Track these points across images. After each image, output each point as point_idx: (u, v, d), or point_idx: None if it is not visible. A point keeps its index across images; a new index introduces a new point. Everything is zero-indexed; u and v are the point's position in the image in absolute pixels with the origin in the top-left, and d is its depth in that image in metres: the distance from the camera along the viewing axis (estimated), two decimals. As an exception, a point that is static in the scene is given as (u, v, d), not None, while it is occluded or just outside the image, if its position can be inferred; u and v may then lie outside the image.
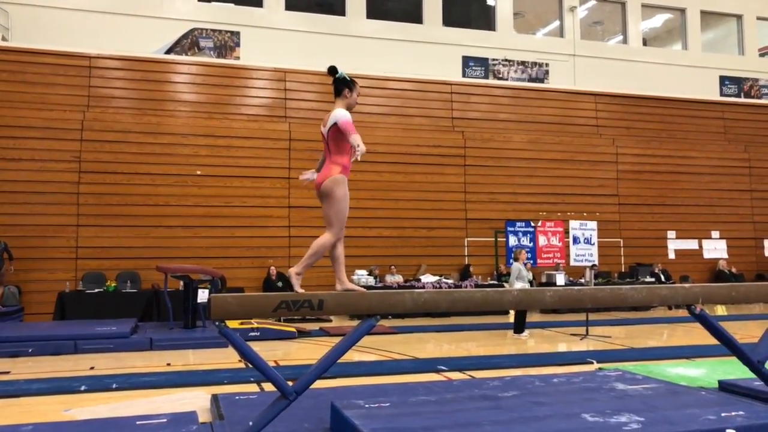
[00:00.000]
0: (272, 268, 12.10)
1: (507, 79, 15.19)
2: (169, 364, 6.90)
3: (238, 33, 13.39)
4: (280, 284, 11.77)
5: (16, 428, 3.89)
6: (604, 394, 4.44)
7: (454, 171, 14.06)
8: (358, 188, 12.52)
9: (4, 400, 5.19)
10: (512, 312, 10.69)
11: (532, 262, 12.25)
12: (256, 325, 9.02)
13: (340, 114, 3.84)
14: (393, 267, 12.90)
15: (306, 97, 13.39)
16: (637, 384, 4.77)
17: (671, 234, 15.54)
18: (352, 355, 7.16)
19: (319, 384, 4.12)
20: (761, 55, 17.73)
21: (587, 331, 9.27)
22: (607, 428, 3.45)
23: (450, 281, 12.73)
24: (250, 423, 3.46)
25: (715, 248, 15.73)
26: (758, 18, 17.59)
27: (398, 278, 12.76)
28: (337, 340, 4.83)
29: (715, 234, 15.82)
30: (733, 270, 15.34)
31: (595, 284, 11.05)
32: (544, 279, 13.07)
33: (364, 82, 12.25)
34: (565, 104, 15.28)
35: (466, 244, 13.93)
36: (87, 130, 11.90)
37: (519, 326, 9.48)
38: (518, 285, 9.50)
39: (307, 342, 8.93)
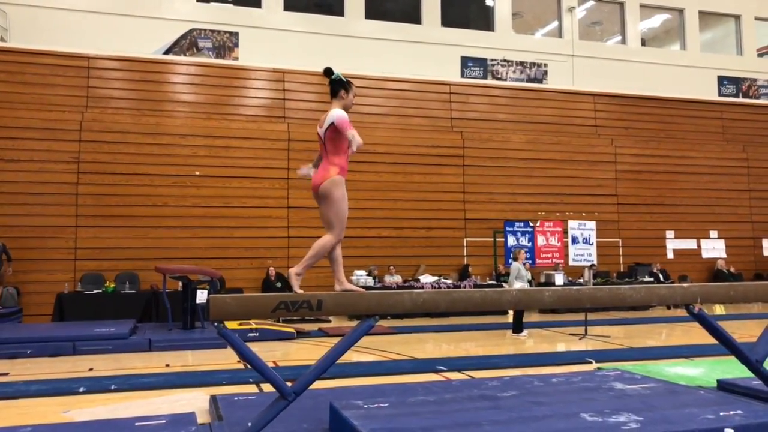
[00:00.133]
0: (271, 268, 12.10)
1: (505, 80, 15.20)
2: (168, 365, 6.89)
3: (236, 33, 13.39)
4: (279, 285, 11.77)
5: (14, 430, 3.89)
6: (603, 393, 4.44)
7: (452, 171, 14.07)
8: (356, 188, 12.55)
9: (3, 401, 5.19)
10: (511, 312, 10.69)
11: (530, 262, 12.25)
12: (254, 326, 9.02)
13: (336, 113, 3.84)
14: (392, 267, 12.90)
15: (305, 98, 13.38)
16: (635, 383, 4.78)
17: (670, 234, 15.55)
18: (351, 356, 7.16)
19: (318, 384, 4.12)
20: (759, 56, 17.75)
21: (586, 330, 9.28)
22: (606, 428, 3.45)
23: (449, 281, 12.73)
24: (249, 424, 3.45)
25: (714, 248, 15.75)
26: (756, 18, 17.61)
27: (397, 278, 12.76)
28: (336, 340, 4.83)
29: (714, 234, 15.84)
30: (732, 269, 15.35)
31: (593, 284, 11.05)
32: (542, 279, 13.08)
33: (362, 83, 12.30)
34: (564, 104, 15.29)
35: (464, 245, 13.94)
36: (86, 131, 11.90)
37: (518, 326, 9.48)
38: (517, 285, 9.51)
39: (306, 342, 8.93)
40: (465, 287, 12.09)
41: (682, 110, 16.22)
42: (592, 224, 13.39)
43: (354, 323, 3.82)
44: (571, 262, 13.11)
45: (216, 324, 3.39)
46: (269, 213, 12.70)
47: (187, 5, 13.18)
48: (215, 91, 13.00)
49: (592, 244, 13.06)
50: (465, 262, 13.74)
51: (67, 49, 12.09)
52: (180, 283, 9.61)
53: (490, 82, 15.04)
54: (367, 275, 12.26)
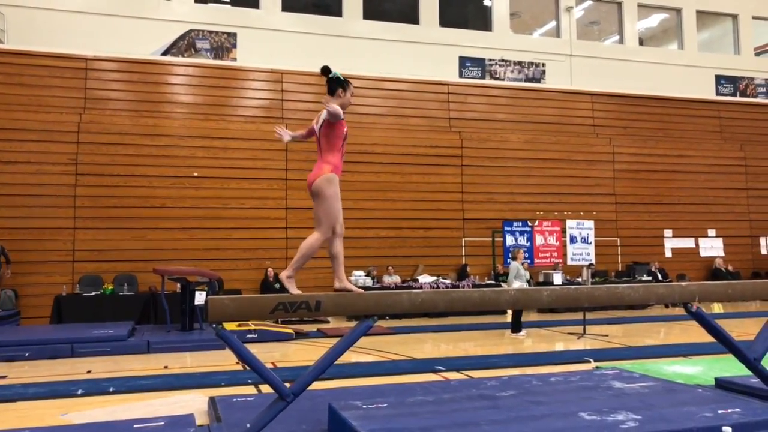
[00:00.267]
0: (269, 269, 12.08)
1: (504, 80, 15.20)
2: (166, 367, 6.89)
3: (234, 34, 13.38)
4: (277, 286, 11.75)
5: (13, 432, 3.88)
6: (602, 392, 4.45)
7: (451, 171, 14.07)
8: (355, 189, 12.56)
9: (1, 404, 5.18)
10: (510, 312, 10.70)
11: (529, 261, 12.25)
12: (253, 327, 9.01)
13: (333, 106, 3.83)
14: (390, 267, 12.90)
15: (303, 98, 13.37)
16: (634, 382, 4.78)
17: (668, 232, 15.57)
18: (350, 356, 7.16)
19: (316, 385, 4.13)
20: (757, 54, 17.78)
21: (584, 329, 9.29)
22: (605, 427, 3.46)
23: (447, 281, 12.73)
24: (248, 425, 3.45)
25: (712, 246, 15.77)
26: (754, 17, 17.63)
27: (396, 279, 12.76)
28: (334, 341, 4.83)
29: (712, 232, 15.86)
30: (730, 268, 15.37)
31: (592, 283, 11.06)
32: (541, 278, 13.09)
33: (360, 83, 12.31)
34: (562, 104, 15.30)
35: (463, 244, 13.94)
36: (83, 133, 11.88)
37: (516, 326, 9.49)
38: (516, 284, 9.52)
39: (304, 343, 8.93)
40: (463, 287, 12.10)
41: (679, 109, 16.24)
42: (590, 223, 13.35)
43: (352, 324, 3.82)
44: (569, 262, 13.08)
45: (214, 325, 3.39)
46: (267, 214, 12.70)
47: (184, 6, 13.17)
48: (213, 92, 12.99)
49: (591, 243, 13.04)
50: (463, 262, 13.74)
51: (65, 51, 12.08)
52: (178, 285, 9.60)
53: (488, 82, 15.04)
54: (365, 276, 12.26)
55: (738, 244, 16.02)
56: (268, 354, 7.55)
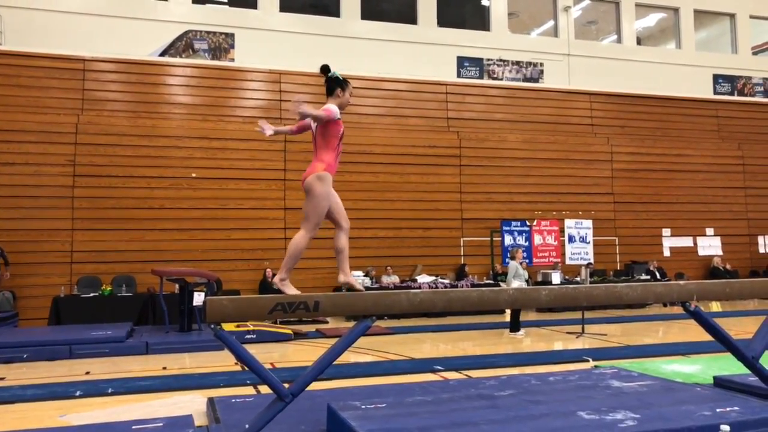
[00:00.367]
0: (268, 270, 12.07)
1: (502, 79, 15.21)
2: (165, 368, 6.88)
3: (232, 35, 13.37)
4: (276, 287, 11.74)
5: (11, 433, 3.88)
6: (600, 391, 4.45)
7: (449, 171, 14.08)
8: (353, 189, 12.56)
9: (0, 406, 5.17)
10: (508, 311, 10.70)
11: (527, 261, 12.26)
12: (252, 328, 9.01)
13: (330, 106, 3.84)
14: (389, 268, 12.90)
15: (301, 99, 13.33)
16: (632, 381, 4.79)
17: (666, 231, 15.59)
18: (349, 357, 7.16)
19: (315, 386, 4.12)
20: (754, 54, 17.80)
21: (583, 329, 9.29)
22: (603, 426, 3.46)
23: (446, 281, 12.74)
24: (247, 426, 3.45)
25: (710, 245, 15.79)
26: (751, 16, 17.66)
27: (394, 279, 12.76)
28: (333, 341, 4.83)
29: (710, 231, 15.88)
30: (728, 267, 15.40)
31: (590, 282, 11.07)
32: (540, 278, 13.09)
33: (359, 83, 12.31)
34: (560, 104, 15.31)
35: (462, 244, 13.95)
36: (81, 134, 11.87)
37: (515, 325, 9.49)
38: (515, 284, 9.52)
39: (303, 344, 8.92)
40: (462, 287, 12.10)
41: (677, 108, 16.26)
42: (588, 223, 13.41)
43: (351, 324, 3.83)
44: (567, 261, 13.13)
45: (213, 326, 3.38)
46: (266, 214, 12.70)
47: (182, 7, 13.16)
48: (211, 93, 12.98)
49: (589, 242, 13.08)
50: (462, 262, 13.74)
51: (63, 52, 12.06)
52: (177, 286, 9.59)
53: (486, 81, 15.05)
54: (364, 276, 12.26)
55: (736, 243, 16.05)
56: (266, 354, 7.54)
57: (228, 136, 12.72)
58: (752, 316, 10.59)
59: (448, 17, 15.13)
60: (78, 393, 5.56)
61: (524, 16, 16.51)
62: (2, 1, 11.87)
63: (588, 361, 6.76)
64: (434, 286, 12.02)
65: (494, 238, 13.63)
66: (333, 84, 3.98)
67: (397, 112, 14.10)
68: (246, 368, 3.94)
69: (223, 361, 7.14)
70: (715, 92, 16.96)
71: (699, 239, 15.79)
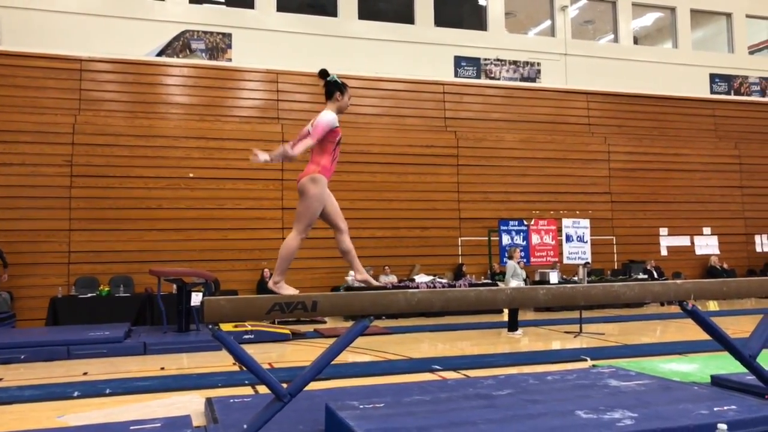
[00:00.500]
0: (266, 270, 12.06)
1: (499, 79, 15.22)
2: (163, 368, 6.88)
3: (229, 35, 13.36)
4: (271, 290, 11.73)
5: (9, 434, 3.87)
6: (598, 390, 4.46)
7: (447, 171, 14.08)
8: (351, 189, 12.56)
9: (-3, 406, 5.17)
10: (506, 311, 10.71)
11: (525, 260, 12.28)
12: (250, 328, 9.00)
13: (324, 115, 3.84)
14: (387, 267, 12.90)
15: (298, 99, 13.37)
16: (630, 380, 4.80)
17: (663, 231, 15.62)
18: (347, 356, 7.16)
19: (313, 385, 4.13)
20: (751, 53, 17.84)
21: (581, 328, 9.30)
22: (601, 425, 3.47)
23: (444, 281, 12.74)
24: (245, 426, 3.45)
25: (707, 244, 15.83)
26: (747, 16, 17.69)
27: (392, 278, 12.76)
28: (331, 341, 4.83)
29: (707, 230, 15.92)
30: (725, 266, 15.43)
31: (588, 282, 11.09)
32: (537, 277, 13.11)
33: (356, 83, 12.30)
34: (557, 103, 15.33)
35: (459, 244, 13.96)
36: (78, 134, 11.85)
37: (513, 325, 9.50)
38: (513, 283, 9.53)
39: (301, 344, 8.92)
40: (460, 286, 12.11)
41: (674, 108, 16.29)
42: (586, 222, 13.42)
43: (349, 324, 3.83)
44: (565, 260, 13.15)
45: (211, 326, 3.38)
46: (263, 214, 12.69)
47: (179, 7, 13.14)
48: (208, 93, 12.97)
49: (586, 242, 13.09)
50: (460, 262, 13.75)
51: (60, 52, 12.04)
52: (174, 286, 9.58)
53: (483, 81, 15.06)
54: (362, 276, 12.24)
55: (733, 242, 16.08)
56: (264, 354, 7.54)
57: (225, 136, 12.71)
58: (749, 315, 10.62)
59: (445, 17, 15.14)
60: (76, 394, 5.56)
61: (521, 16, 16.53)
62: (-1, 1, 11.86)
63: (586, 360, 6.77)
64: (432, 285, 12.03)
65: (492, 238, 13.65)
66: (332, 88, 3.98)
67: (394, 112, 14.10)
68: (244, 368, 3.95)
69: (221, 361, 7.14)
70: (712, 91, 17.00)
71: (696, 238, 15.82)
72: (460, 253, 13.91)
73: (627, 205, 15.35)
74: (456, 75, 14.89)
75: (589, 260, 12.52)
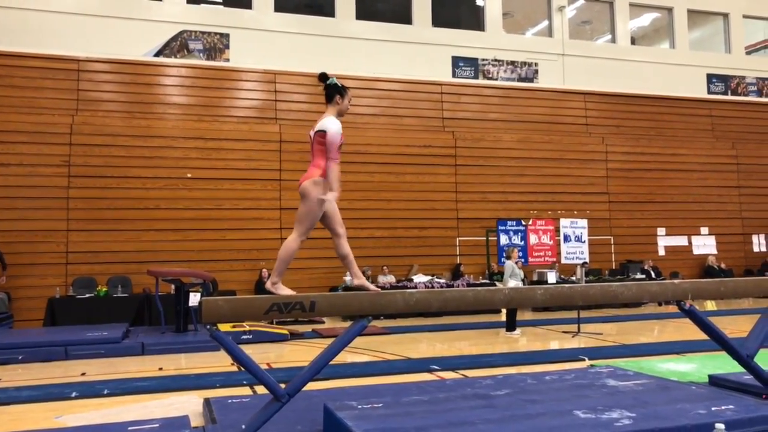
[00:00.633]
0: (264, 270, 12.07)
1: (496, 79, 15.23)
2: (161, 369, 6.87)
3: (227, 35, 13.35)
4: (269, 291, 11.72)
5: (6, 435, 3.86)
6: (596, 390, 4.46)
7: (445, 171, 14.09)
8: (349, 189, 12.54)
9: (-5, 407, 5.16)
10: (504, 310, 10.71)
11: (523, 260, 12.29)
12: (248, 328, 9.00)
13: (331, 127, 3.84)
14: (385, 267, 12.91)
15: (296, 99, 13.37)
16: (628, 380, 4.80)
17: (661, 231, 15.64)
18: (345, 357, 7.16)
19: (311, 386, 4.12)
20: (748, 53, 17.88)
21: (579, 328, 9.31)
22: (599, 424, 3.47)
23: (442, 281, 12.75)
24: (243, 426, 3.45)
25: (705, 244, 15.85)
26: (744, 16, 17.73)
27: (390, 279, 12.76)
28: (329, 341, 4.83)
29: (704, 230, 15.95)
30: (722, 265, 15.46)
31: (586, 281, 11.10)
32: (535, 277, 13.12)
33: (353, 83, 12.27)
34: (555, 103, 15.35)
35: (457, 244, 13.97)
36: (76, 134, 11.83)
37: (511, 324, 9.51)
38: (512, 283, 9.53)
39: (299, 344, 8.92)
40: (458, 287, 12.12)
41: (671, 108, 16.32)
42: (583, 222, 13.43)
43: (347, 324, 3.84)
44: (563, 260, 13.16)
45: (209, 327, 3.38)
46: (261, 215, 12.68)
47: (177, 7, 13.13)
48: (206, 93, 12.96)
49: (584, 241, 13.10)
50: (458, 262, 13.76)
51: (57, 52, 12.02)
52: (172, 286, 9.57)
53: (481, 81, 15.07)
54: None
55: (730, 242, 16.12)
56: (263, 355, 7.54)
57: (223, 137, 12.71)
58: (747, 315, 10.64)
59: (443, 17, 15.14)
60: (74, 394, 5.55)
61: (519, 16, 16.55)
62: (-4, 1, 11.84)
63: (584, 360, 6.77)
64: (430, 285, 12.04)
65: (490, 238, 13.66)
66: (332, 91, 3.98)
67: (392, 112, 14.10)
68: (242, 369, 3.94)
69: (219, 361, 7.13)
70: (709, 92, 17.03)
71: (694, 238, 15.85)
72: (458, 253, 13.92)
73: (624, 205, 15.37)
74: (454, 75, 14.90)
75: (587, 260, 12.53)
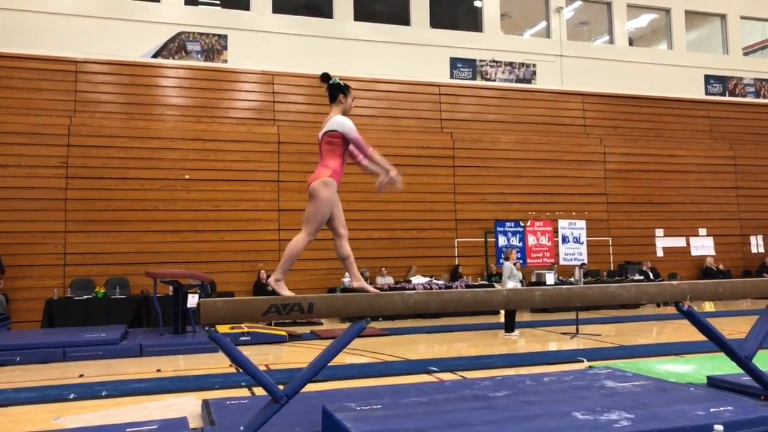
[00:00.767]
0: (262, 271, 12.05)
1: (495, 80, 15.24)
2: (159, 370, 6.86)
3: (225, 36, 13.34)
4: (270, 288, 11.70)
5: (4, 437, 3.85)
6: (595, 392, 4.47)
7: (443, 172, 14.09)
8: (348, 190, 12.45)
9: (-7, 409, 5.14)
10: (503, 312, 10.72)
11: (521, 261, 12.30)
12: (246, 330, 8.99)
13: (346, 123, 3.85)
14: (384, 269, 12.90)
15: (294, 100, 13.36)
16: (626, 381, 4.81)
17: (659, 232, 15.66)
18: (343, 358, 7.15)
19: (310, 387, 4.12)
20: (745, 54, 17.92)
21: (577, 329, 9.32)
22: (598, 426, 3.47)
23: (440, 282, 12.75)
24: (242, 428, 3.45)
25: (703, 245, 15.87)
26: (742, 17, 17.77)
27: (389, 280, 12.76)
28: (327, 343, 4.83)
29: (702, 231, 15.96)
30: (720, 267, 15.47)
31: (584, 283, 11.11)
32: (534, 278, 13.13)
33: (352, 84, 12.18)
34: (553, 104, 15.36)
35: (456, 245, 13.97)
36: (74, 135, 11.82)
37: (509, 326, 9.51)
38: (510, 284, 9.54)
39: (298, 345, 8.91)
40: (456, 288, 12.12)
41: (669, 109, 16.35)
42: (582, 223, 13.47)
43: (346, 325, 3.83)
44: (561, 261, 13.18)
45: (207, 328, 3.38)
46: (260, 216, 12.67)
47: (175, 8, 13.12)
48: (204, 94, 12.95)
49: (583, 243, 13.13)
50: (456, 263, 13.76)
51: (55, 53, 12.01)
52: (171, 288, 9.55)
53: (479, 82, 15.08)
54: (358, 277, 12.23)
55: (728, 243, 16.13)
56: (261, 356, 7.53)
57: (221, 138, 12.70)
58: (745, 316, 10.65)
59: (440, 18, 15.15)
60: (72, 396, 5.54)
61: (517, 17, 16.56)
62: (-7, 2, 11.82)
63: (582, 361, 6.78)
64: (429, 287, 12.04)
65: (488, 239, 13.66)
66: (335, 91, 3.99)
67: (390, 113, 14.10)
68: (240, 370, 3.94)
69: (217, 363, 7.12)
70: (707, 93, 17.06)
71: (692, 239, 15.87)
72: (456, 254, 13.92)
73: (623, 206, 15.39)
74: (452, 76, 14.91)
75: (585, 261, 12.54)
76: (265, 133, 13.01)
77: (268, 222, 12.68)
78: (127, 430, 3.91)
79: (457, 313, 11.31)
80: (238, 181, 12.63)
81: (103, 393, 5.64)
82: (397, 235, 13.49)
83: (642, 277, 14.13)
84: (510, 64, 15.41)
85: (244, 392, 5.50)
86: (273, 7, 13.77)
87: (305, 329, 10.31)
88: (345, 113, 3.99)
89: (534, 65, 15.57)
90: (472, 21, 15.95)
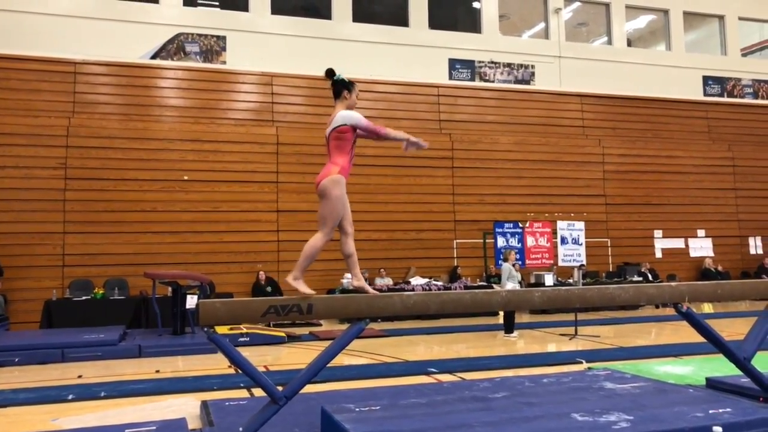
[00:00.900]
0: (261, 272, 12.05)
1: (493, 81, 15.25)
2: (158, 371, 6.85)
3: (224, 37, 13.34)
4: (269, 289, 11.72)
5: (2, 439, 3.85)
6: (594, 393, 4.47)
7: (442, 173, 14.10)
8: (347, 191, 12.53)
9: (-9, 410, 5.14)
10: (502, 313, 10.72)
11: (520, 262, 12.30)
12: (245, 331, 8.99)
13: (352, 114, 3.85)
14: (382, 270, 12.90)
15: (293, 101, 13.36)
16: (625, 383, 4.81)
17: (658, 233, 15.67)
18: (342, 359, 7.15)
19: (309, 388, 4.12)
20: (743, 55, 17.94)
21: (576, 331, 9.32)
22: (597, 427, 3.48)
23: (439, 283, 12.75)
24: (240, 429, 3.45)
25: (701, 246, 15.88)
26: (740, 18, 17.79)
27: (388, 281, 12.76)
28: (326, 344, 4.83)
29: (701, 232, 15.98)
30: (719, 268, 15.48)
31: (583, 284, 11.11)
32: (533, 279, 13.12)
33: (351, 86, 12.30)
34: (551, 105, 15.38)
35: (455, 246, 13.97)
36: (72, 137, 11.81)
37: (508, 327, 9.51)
38: (509, 285, 9.54)
39: (296, 346, 8.91)
40: (455, 289, 12.12)
41: (668, 110, 16.36)
42: (580, 224, 13.40)
43: (345, 326, 3.83)
44: (560, 263, 13.14)
45: (206, 329, 3.38)
46: (258, 217, 12.67)
47: (174, 9, 13.12)
48: (203, 96, 12.95)
49: (581, 244, 13.10)
50: (455, 264, 13.76)
51: (53, 55, 12.00)
52: (169, 289, 9.54)
53: (477, 83, 15.09)
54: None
55: (727, 244, 16.15)
56: (260, 357, 7.53)
57: (220, 139, 12.69)
58: (744, 318, 10.66)
59: (439, 19, 15.16)
60: (70, 397, 5.53)
61: (515, 18, 16.58)
62: (-8, 3, 11.81)
63: (581, 362, 6.78)
64: (427, 288, 12.04)
65: (487, 240, 13.66)
66: (339, 87, 3.98)
67: (388, 115, 14.08)
68: (239, 371, 3.94)
69: (216, 364, 7.12)
70: (705, 94, 17.08)
71: (690, 240, 15.88)
72: (455, 255, 13.92)
73: (621, 208, 15.40)
74: (450, 77, 14.92)
75: (584, 263, 12.54)
76: (264, 134, 13.01)
77: (267, 223, 12.68)
78: (126, 431, 3.91)
79: (456, 315, 11.31)
80: (237, 182, 12.62)
81: (102, 394, 5.63)
82: (396, 236, 13.49)
83: (641, 279, 14.14)
84: (508, 65, 15.42)
85: (242, 393, 5.50)
86: (272, 9, 13.77)
87: (304, 330, 10.30)
88: (350, 109, 3.98)
89: (532, 66, 15.59)
90: (470, 22, 15.96)
